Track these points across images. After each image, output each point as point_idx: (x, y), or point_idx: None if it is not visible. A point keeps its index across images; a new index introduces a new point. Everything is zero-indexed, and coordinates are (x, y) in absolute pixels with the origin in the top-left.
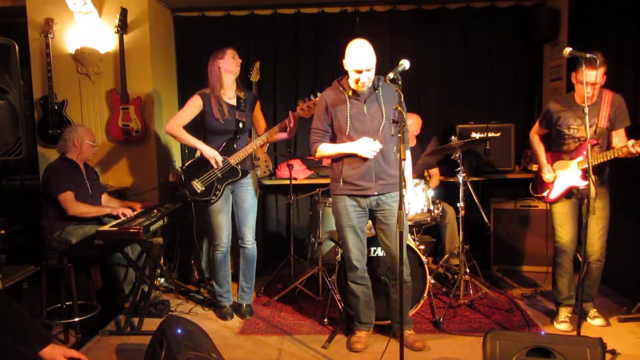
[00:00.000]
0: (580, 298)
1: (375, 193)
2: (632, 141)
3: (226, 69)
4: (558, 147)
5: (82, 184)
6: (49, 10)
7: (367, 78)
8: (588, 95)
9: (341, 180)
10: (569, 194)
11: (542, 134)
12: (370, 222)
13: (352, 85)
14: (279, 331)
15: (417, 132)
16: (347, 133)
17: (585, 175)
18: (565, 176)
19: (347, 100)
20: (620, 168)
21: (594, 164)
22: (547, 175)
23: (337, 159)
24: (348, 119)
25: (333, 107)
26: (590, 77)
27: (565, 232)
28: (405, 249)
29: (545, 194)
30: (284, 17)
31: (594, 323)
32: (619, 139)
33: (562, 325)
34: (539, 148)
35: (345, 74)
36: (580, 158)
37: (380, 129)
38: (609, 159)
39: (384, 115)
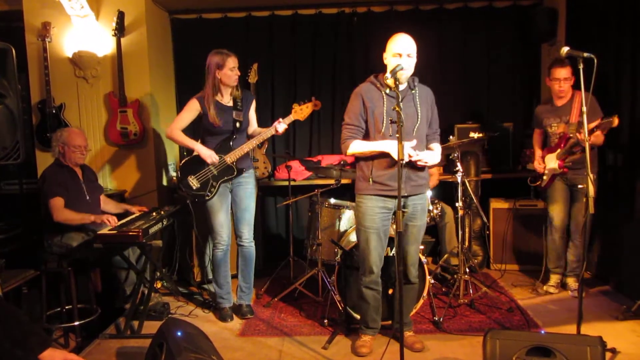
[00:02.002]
0: (579, 309)
1: (405, 194)
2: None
3: (224, 82)
4: (548, 144)
5: (78, 190)
6: (46, 14)
7: (408, 65)
8: (561, 89)
9: (370, 179)
10: (558, 180)
11: (540, 134)
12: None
13: (391, 75)
14: (279, 332)
15: None
16: (382, 131)
17: (562, 164)
18: (549, 166)
19: (384, 97)
20: (618, 171)
21: (571, 157)
22: (537, 166)
23: (367, 158)
24: (385, 117)
25: (370, 102)
26: (560, 74)
27: (554, 211)
28: (417, 249)
29: (538, 182)
30: (282, 18)
31: (572, 295)
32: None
33: (550, 288)
34: (536, 146)
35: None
36: (558, 150)
37: (415, 130)
38: (573, 150)
39: (419, 116)
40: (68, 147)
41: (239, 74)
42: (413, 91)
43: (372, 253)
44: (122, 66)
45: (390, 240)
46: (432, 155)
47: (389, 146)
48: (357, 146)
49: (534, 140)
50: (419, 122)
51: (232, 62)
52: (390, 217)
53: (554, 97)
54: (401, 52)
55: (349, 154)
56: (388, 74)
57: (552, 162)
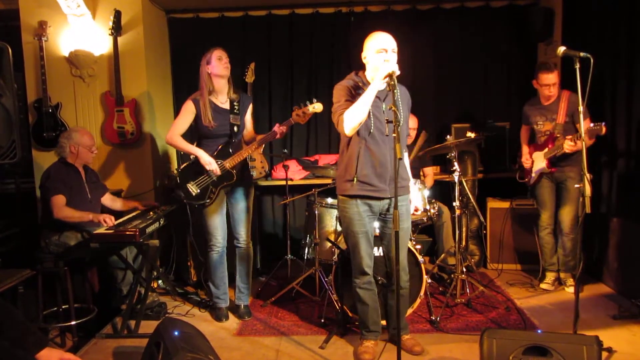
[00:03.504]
0: (575, 308)
1: (389, 196)
2: (569, 137)
3: (215, 74)
4: (534, 141)
5: (80, 189)
6: (42, 13)
7: (395, 59)
8: (550, 94)
9: (355, 178)
10: (545, 178)
11: (527, 131)
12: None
13: (378, 69)
14: (276, 332)
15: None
16: (371, 131)
17: (549, 163)
18: (537, 164)
19: (378, 88)
20: (614, 170)
21: (555, 154)
22: (524, 162)
23: (351, 157)
24: (372, 116)
25: (356, 97)
26: (548, 79)
27: (543, 211)
28: (405, 254)
29: (526, 179)
30: (279, 17)
31: (569, 290)
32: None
33: (545, 285)
34: (523, 142)
35: (361, 67)
36: (545, 150)
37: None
38: (561, 152)
39: (401, 116)
40: (82, 148)
41: (227, 64)
42: (395, 90)
43: (364, 256)
44: (119, 65)
45: (375, 240)
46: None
47: (375, 85)
48: (347, 112)
49: (521, 136)
50: (401, 122)
51: (217, 52)
52: (375, 219)
53: (541, 97)
54: (386, 47)
55: (346, 124)
56: (381, 75)
57: (539, 160)
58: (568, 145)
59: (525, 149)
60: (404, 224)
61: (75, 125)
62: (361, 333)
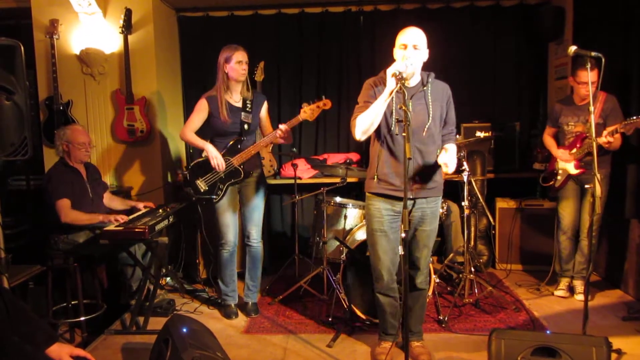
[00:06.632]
0: (585, 309)
1: (411, 196)
2: (605, 132)
3: (232, 77)
4: (562, 143)
5: (82, 190)
6: (53, 11)
7: (414, 57)
8: (588, 93)
9: (376, 176)
10: (571, 180)
11: (553, 133)
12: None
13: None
14: (283, 330)
15: None
16: (391, 128)
17: (579, 164)
18: (565, 166)
19: (393, 94)
20: (627, 171)
21: (582, 153)
22: (564, 156)
23: (374, 155)
24: (394, 114)
25: (378, 95)
26: (587, 77)
27: (564, 214)
28: (428, 257)
29: (552, 182)
30: (288, 16)
31: (578, 298)
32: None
33: (560, 291)
34: (551, 143)
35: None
36: (574, 150)
37: (425, 129)
38: (590, 150)
39: (430, 115)
40: (72, 145)
41: (246, 69)
42: (425, 88)
43: (382, 257)
44: (129, 63)
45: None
46: (452, 158)
47: (389, 87)
48: (359, 119)
49: (546, 137)
50: (430, 121)
51: (239, 55)
52: (400, 220)
53: (575, 96)
54: (407, 42)
55: (357, 130)
56: (391, 70)
57: (567, 161)
58: (604, 139)
59: (555, 149)
60: (427, 226)
61: (84, 123)
62: (379, 334)
